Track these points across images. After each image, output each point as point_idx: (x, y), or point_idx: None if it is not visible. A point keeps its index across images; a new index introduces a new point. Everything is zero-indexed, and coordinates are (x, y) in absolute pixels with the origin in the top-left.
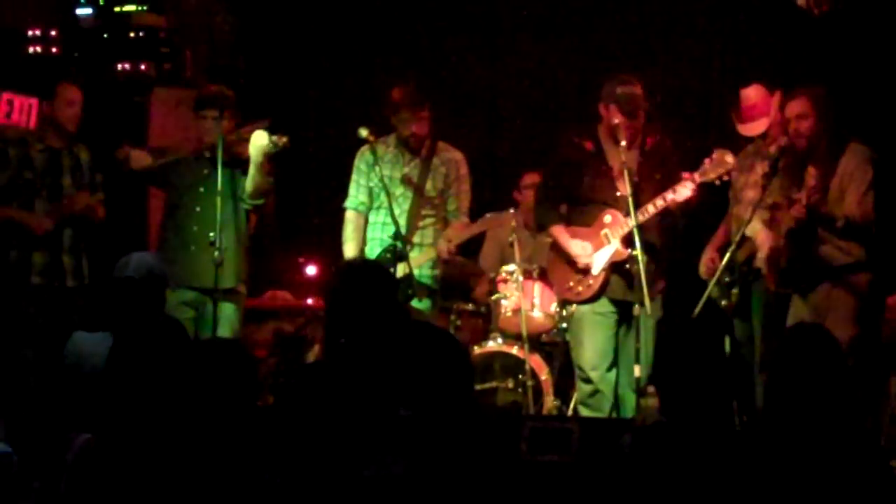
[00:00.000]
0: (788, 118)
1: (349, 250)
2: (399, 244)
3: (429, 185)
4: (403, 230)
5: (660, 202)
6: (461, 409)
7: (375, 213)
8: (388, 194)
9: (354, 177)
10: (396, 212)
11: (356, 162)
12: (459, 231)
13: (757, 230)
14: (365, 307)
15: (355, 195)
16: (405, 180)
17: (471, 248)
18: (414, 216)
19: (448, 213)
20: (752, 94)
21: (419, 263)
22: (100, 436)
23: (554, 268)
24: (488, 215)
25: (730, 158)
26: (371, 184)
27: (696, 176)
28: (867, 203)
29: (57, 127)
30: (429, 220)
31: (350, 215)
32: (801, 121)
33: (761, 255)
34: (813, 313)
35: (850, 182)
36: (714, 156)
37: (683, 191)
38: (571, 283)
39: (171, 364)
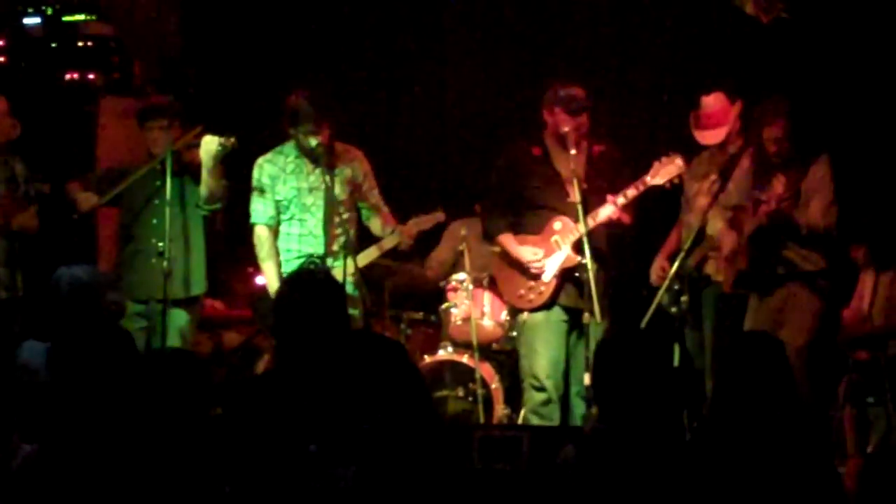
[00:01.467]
0: (766, 142)
1: (270, 270)
2: (318, 258)
3: (338, 190)
4: (322, 240)
5: (590, 221)
6: (419, 417)
7: (287, 224)
8: (302, 206)
9: (258, 191)
10: (312, 222)
11: (256, 175)
12: (408, 226)
13: (721, 231)
14: (317, 317)
15: (264, 210)
16: (313, 189)
17: (421, 254)
18: (329, 224)
19: (364, 212)
20: (712, 101)
21: (369, 260)
22: (44, 445)
23: (502, 276)
24: (414, 219)
25: (679, 161)
26: (278, 197)
27: (627, 192)
28: (831, 214)
29: None
30: (341, 227)
31: (262, 231)
32: (779, 144)
33: (724, 253)
34: (771, 316)
35: (816, 192)
36: (664, 159)
37: (604, 211)
38: (522, 291)
39: (114, 374)
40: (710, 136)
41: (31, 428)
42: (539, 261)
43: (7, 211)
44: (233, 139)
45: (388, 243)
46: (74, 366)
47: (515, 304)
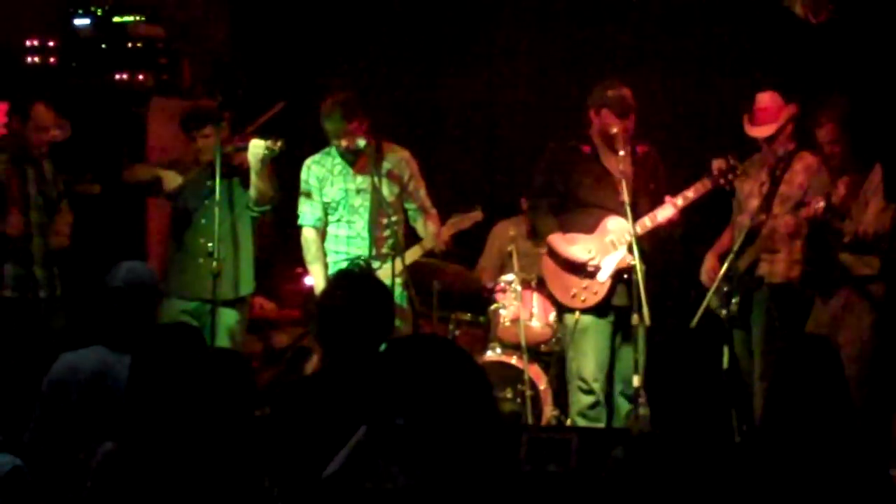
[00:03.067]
0: (821, 145)
1: (317, 272)
2: (364, 260)
3: (385, 191)
4: (369, 242)
5: (648, 222)
6: (479, 419)
7: (335, 226)
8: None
9: (305, 193)
10: (360, 224)
11: (304, 178)
12: (446, 227)
13: (781, 224)
14: (360, 319)
15: (311, 212)
16: (360, 190)
17: (469, 256)
18: (376, 226)
19: (411, 213)
20: (766, 98)
21: (412, 259)
22: (123, 443)
23: (553, 277)
24: (452, 218)
25: (736, 164)
26: (326, 199)
27: (687, 194)
28: (884, 219)
29: (24, 146)
30: (389, 229)
31: (309, 234)
32: (832, 146)
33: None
34: (831, 319)
35: (872, 196)
36: (721, 160)
37: (663, 213)
38: (575, 291)
39: (190, 372)
40: (759, 131)
41: (80, 431)
42: (595, 260)
43: (40, 212)
44: (280, 142)
45: (429, 243)
46: (162, 365)
47: (568, 304)
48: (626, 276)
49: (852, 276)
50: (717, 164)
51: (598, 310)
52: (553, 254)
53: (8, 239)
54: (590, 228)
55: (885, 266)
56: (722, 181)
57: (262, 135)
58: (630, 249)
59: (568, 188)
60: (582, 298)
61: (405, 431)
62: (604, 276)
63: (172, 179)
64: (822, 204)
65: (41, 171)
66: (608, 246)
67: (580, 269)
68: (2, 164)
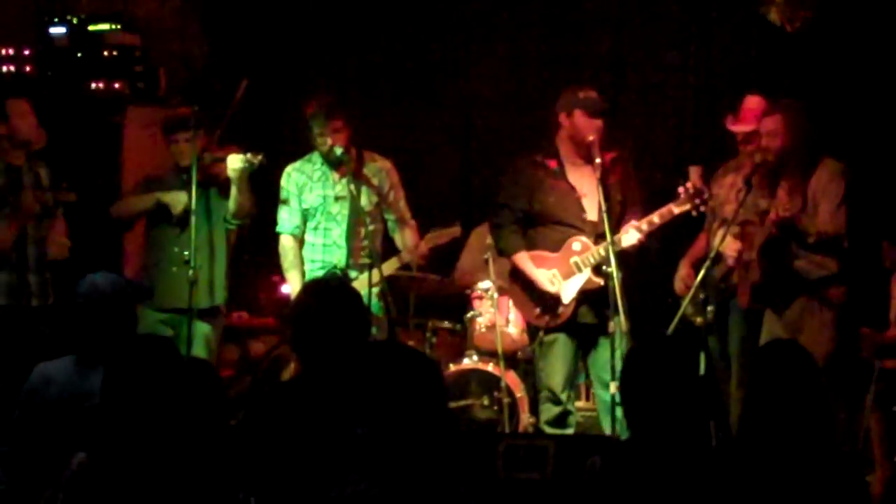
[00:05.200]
0: (761, 133)
1: (294, 279)
2: (340, 270)
3: (364, 200)
4: (346, 251)
5: (611, 248)
6: (435, 425)
7: (313, 234)
8: (327, 214)
9: (284, 200)
10: (337, 232)
11: (283, 184)
12: (424, 241)
13: (728, 245)
14: (333, 327)
15: (289, 219)
16: (339, 198)
17: (444, 264)
18: (353, 235)
19: (390, 224)
20: (754, 101)
21: (389, 272)
22: (95, 454)
23: (518, 294)
24: (431, 233)
25: (705, 192)
26: (304, 206)
27: (653, 219)
28: (839, 217)
29: (16, 143)
30: (367, 238)
31: (287, 241)
32: (771, 138)
33: (730, 263)
34: (788, 329)
35: (822, 197)
36: (689, 186)
37: (627, 238)
38: (538, 311)
39: (163, 382)
40: (739, 126)
41: (52, 444)
42: (556, 286)
43: (35, 219)
44: (260, 156)
45: (406, 256)
46: (133, 377)
47: (532, 322)
48: (591, 296)
49: (808, 282)
50: (684, 189)
51: (564, 327)
52: (516, 272)
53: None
54: (555, 246)
55: (843, 266)
56: (689, 206)
57: (241, 148)
58: (595, 270)
59: (532, 205)
60: (545, 319)
61: (366, 440)
62: (567, 299)
63: (178, 200)
64: (776, 214)
65: (38, 178)
66: (572, 267)
67: (543, 293)
68: None
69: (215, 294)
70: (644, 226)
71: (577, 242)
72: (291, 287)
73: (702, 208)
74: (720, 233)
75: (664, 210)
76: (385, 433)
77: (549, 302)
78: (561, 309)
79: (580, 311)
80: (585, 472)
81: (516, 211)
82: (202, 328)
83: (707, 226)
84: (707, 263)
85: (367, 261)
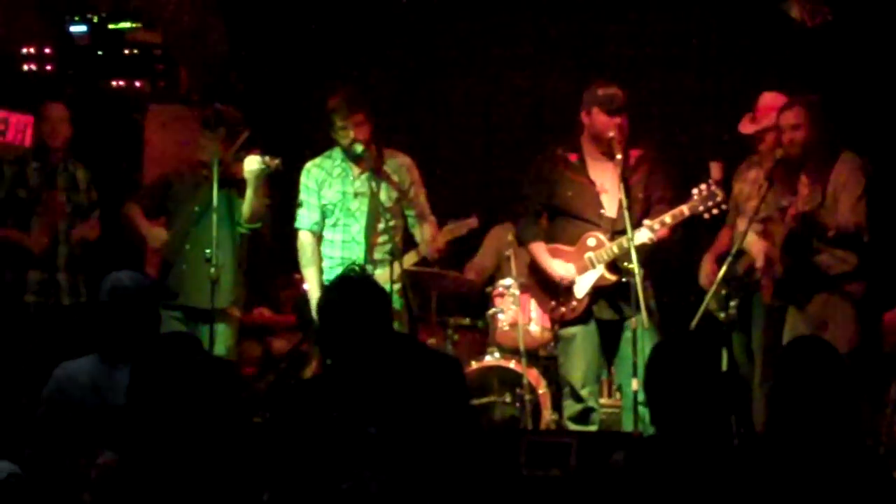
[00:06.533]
0: (783, 128)
1: (312, 276)
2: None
3: (383, 196)
4: (364, 247)
5: (624, 243)
6: (457, 424)
7: (331, 230)
8: (346, 210)
9: (304, 196)
10: (356, 228)
11: (303, 181)
12: (442, 233)
13: (752, 241)
14: (358, 322)
15: (308, 215)
16: (358, 194)
17: (461, 259)
18: (372, 231)
19: (410, 220)
20: (769, 98)
21: (407, 265)
22: (122, 453)
23: (535, 287)
24: (447, 225)
25: (720, 195)
26: (323, 202)
27: (665, 219)
28: (859, 212)
29: (48, 148)
30: (386, 234)
31: (305, 237)
32: (794, 131)
33: (758, 264)
34: (810, 324)
35: (842, 191)
36: (703, 188)
37: (639, 236)
38: (554, 304)
39: (190, 381)
40: (752, 127)
41: (77, 442)
42: (571, 277)
43: (67, 218)
44: (277, 160)
45: (423, 250)
46: (161, 376)
47: (549, 315)
48: (608, 291)
49: (830, 277)
50: (698, 191)
51: (579, 319)
52: (535, 265)
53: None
54: (573, 240)
55: (862, 261)
56: (701, 208)
57: (260, 151)
58: (608, 267)
59: (551, 198)
60: (561, 312)
61: (378, 439)
62: (580, 293)
63: (155, 237)
64: (800, 205)
65: (74, 179)
66: (586, 263)
67: (557, 285)
68: (33, 172)
69: (232, 295)
70: (656, 225)
71: (592, 238)
72: (308, 283)
73: (714, 211)
74: (745, 228)
75: (676, 211)
76: (399, 432)
77: (563, 293)
78: (574, 303)
79: (597, 307)
80: (608, 467)
81: (536, 203)
82: (219, 327)
83: (730, 220)
84: (729, 259)
85: (386, 257)
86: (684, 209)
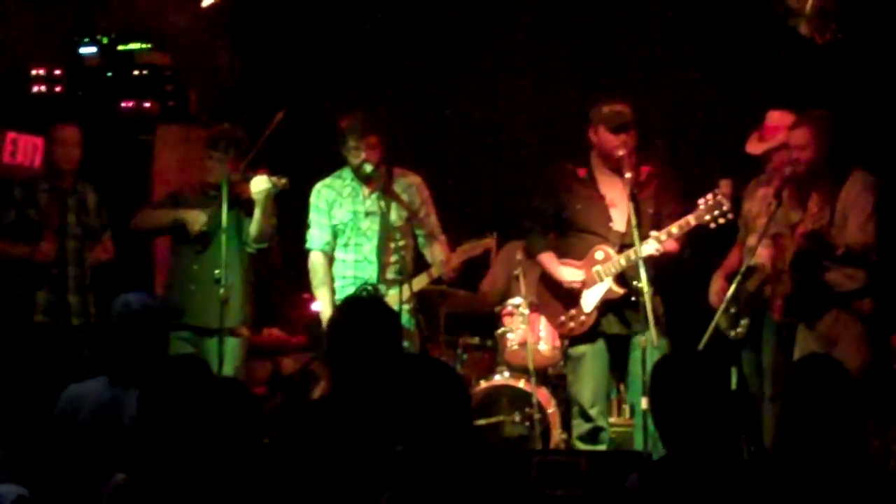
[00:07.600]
0: (791, 147)
1: (324, 296)
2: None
3: (393, 215)
4: (377, 266)
5: (632, 255)
6: (459, 440)
7: (343, 250)
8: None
9: (314, 216)
10: (367, 247)
11: (313, 201)
12: (456, 254)
13: (763, 258)
14: (369, 343)
15: (319, 235)
16: (369, 213)
17: (471, 279)
18: (384, 250)
19: (421, 239)
20: (776, 116)
21: (419, 287)
22: (133, 475)
23: (545, 301)
24: (464, 244)
25: (726, 205)
26: (334, 221)
27: (671, 230)
28: (868, 230)
29: (58, 171)
30: (397, 254)
31: (317, 257)
32: (801, 151)
33: (767, 270)
34: (821, 342)
35: (851, 209)
36: (709, 198)
37: (646, 248)
38: (563, 318)
39: (199, 403)
40: (759, 147)
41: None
42: (578, 284)
43: (78, 240)
44: (284, 180)
45: (436, 271)
46: (169, 398)
47: (557, 330)
48: (620, 302)
49: (839, 294)
50: (704, 200)
51: (588, 337)
52: (545, 277)
53: (40, 265)
54: (582, 254)
55: (871, 279)
56: (707, 218)
57: (268, 171)
58: (619, 281)
59: (560, 211)
60: (570, 326)
61: (405, 458)
62: (588, 307)
63: (195, 220)
64: (808, 223)
65: (84, 201)
66: (594, 276)
67: (567, 295)
68: (42, 193)
69: (240, 315)
70: (663, 236)
71: (600, 251)
72: (321, 304)
73: (721, 220)
74: (755, 244)
75: (682, 221)
76: (417, 449)
77: (572, 307)
78: (583, 317)
79: (605, 321)
80: (623, 490)
81: (545, 216)
82: (228, 346)
83: (740, 238)
84: (738, 278)
85: (397, 276)
86: (690, 219)
